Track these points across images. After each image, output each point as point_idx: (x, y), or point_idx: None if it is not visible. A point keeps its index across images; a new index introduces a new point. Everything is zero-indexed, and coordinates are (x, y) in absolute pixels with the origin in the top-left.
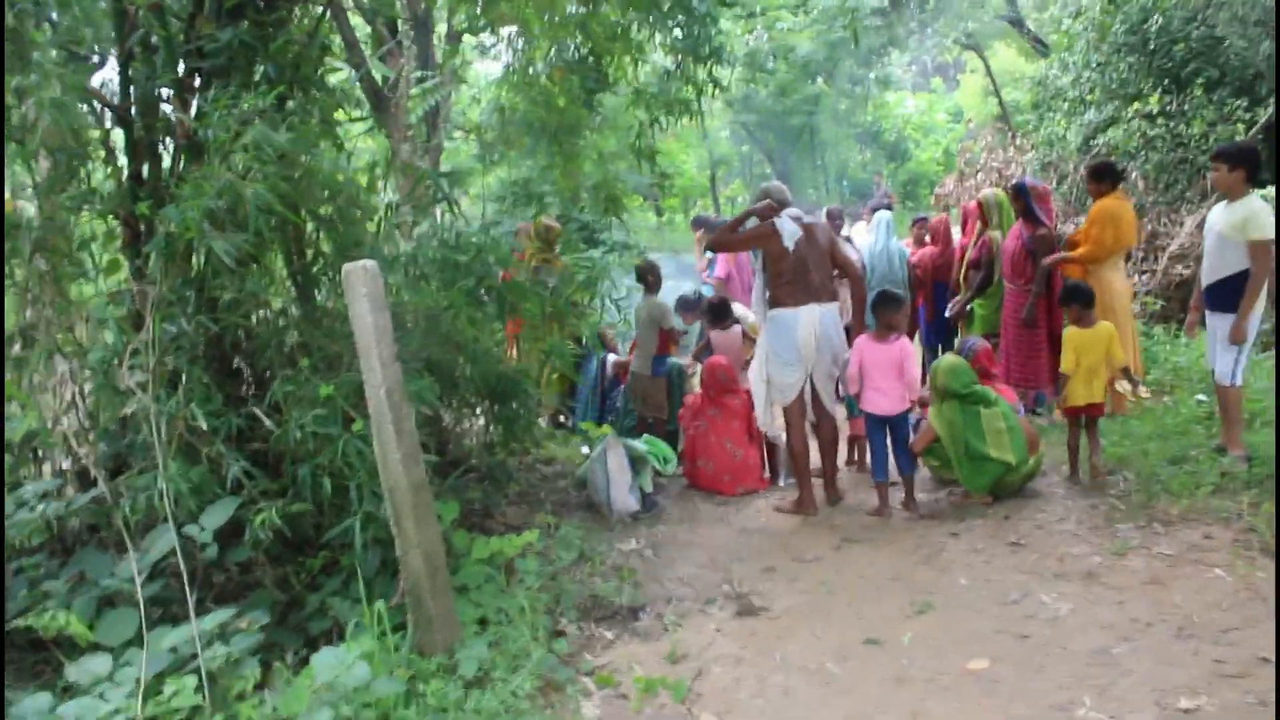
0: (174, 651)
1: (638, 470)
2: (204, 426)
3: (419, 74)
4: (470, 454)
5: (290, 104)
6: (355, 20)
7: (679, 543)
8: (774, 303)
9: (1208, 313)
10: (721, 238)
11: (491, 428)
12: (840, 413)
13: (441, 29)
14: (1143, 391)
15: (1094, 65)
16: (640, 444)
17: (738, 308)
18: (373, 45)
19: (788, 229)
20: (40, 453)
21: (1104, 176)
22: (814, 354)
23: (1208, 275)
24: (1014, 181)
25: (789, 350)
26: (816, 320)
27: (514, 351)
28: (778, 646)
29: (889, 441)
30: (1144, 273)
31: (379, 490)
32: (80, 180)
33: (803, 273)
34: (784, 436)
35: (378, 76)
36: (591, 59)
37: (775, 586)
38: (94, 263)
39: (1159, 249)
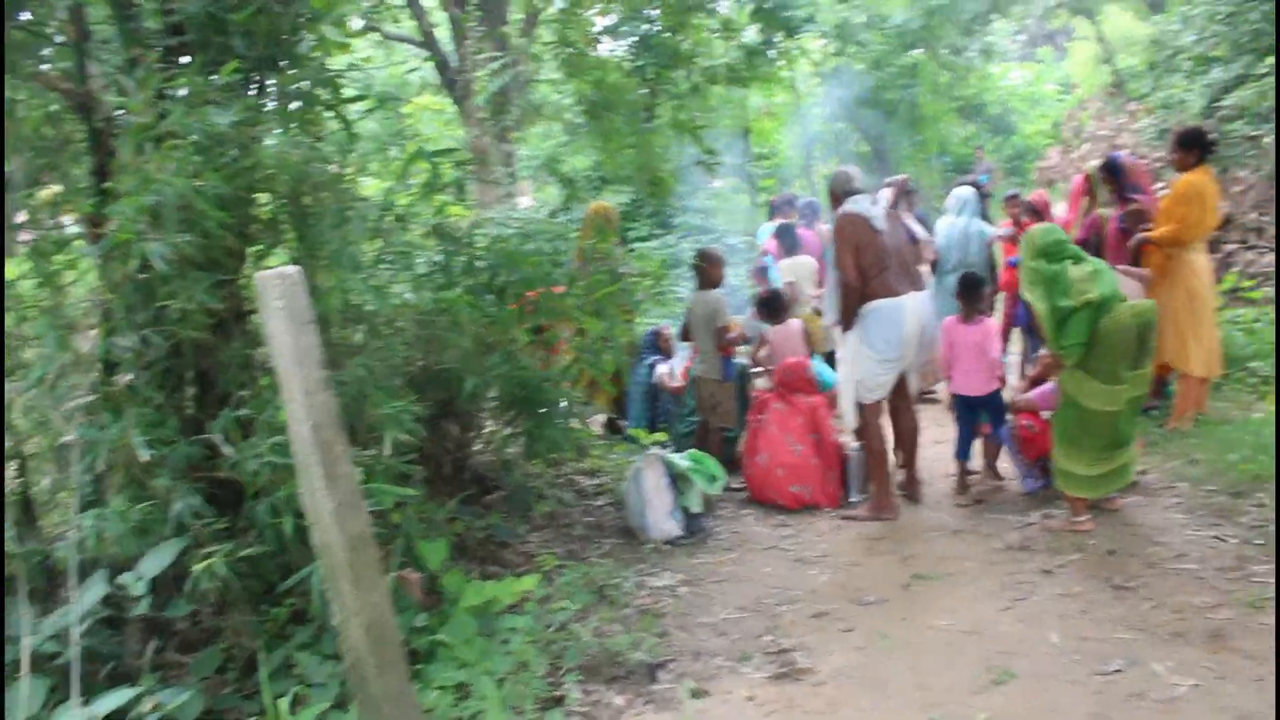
0: None
1: (681, 489)
2: (144, 455)
3: (490, 55)
4: (497, 472)
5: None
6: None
7: (721, 577)
8: (870, 295)
9: None
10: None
11: (515, 442)
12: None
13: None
14: None
15: (1220, 16)
16: (684, 459)
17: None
18: (450, 28)
19: (870, 210)
20: None
21: (1193, 145)
22: (916, 348)
23: None
24: (1106, 157)
25: (891, 345)
26: (920, 310)
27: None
28: None
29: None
30: None
31: None
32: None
33: (896, 257)
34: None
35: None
36: (666, 33)
37: (826, 639)
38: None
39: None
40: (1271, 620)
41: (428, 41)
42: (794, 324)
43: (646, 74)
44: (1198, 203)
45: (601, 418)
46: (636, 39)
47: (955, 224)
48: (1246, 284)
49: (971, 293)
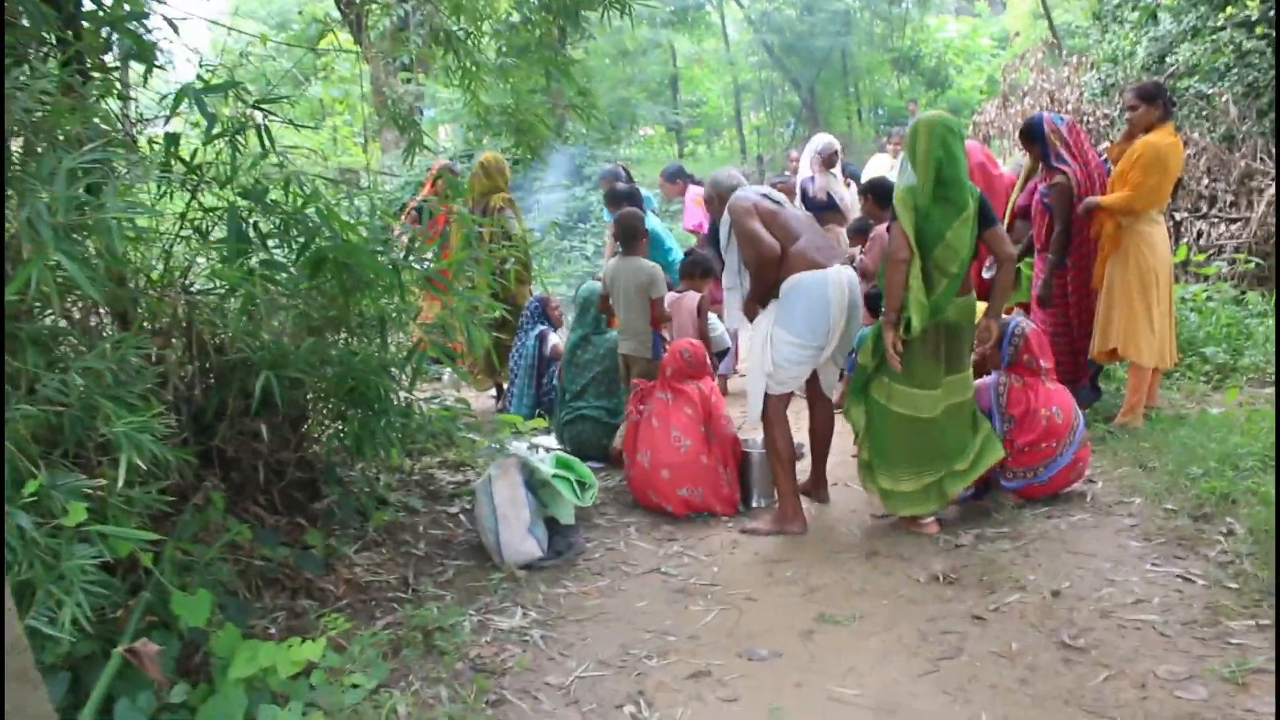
0: None
1: (544, 500)
2: None
3: None
4: (324, 477)
5: None
6: None
7: (585, 614)
8: (786, 269)
9: None
10: (753, 267)
11: (339, 441)
12: (835, 394)
13: None
14: None
15: None
16: (548, 463)
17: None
18: None
19: (763, 190)
20: None
21: (1154, 101)
22: (842, 326)
23: None
24: (1028, 118)
25: (817, 321)
26: (845, 284)
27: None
28: None
29: None
30: (1234, 221)
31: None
32: None
33: (809, 231)
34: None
35: None
36: None
37: (702, 713)
38: None
39: (1254, 191)
40: (1258, 704)
41: None
42: (690, 297)
43: (552, 7)
44: (1158, 167)
45: (492, 393)
46: None
47: None
48: (1198, 257)
49: None
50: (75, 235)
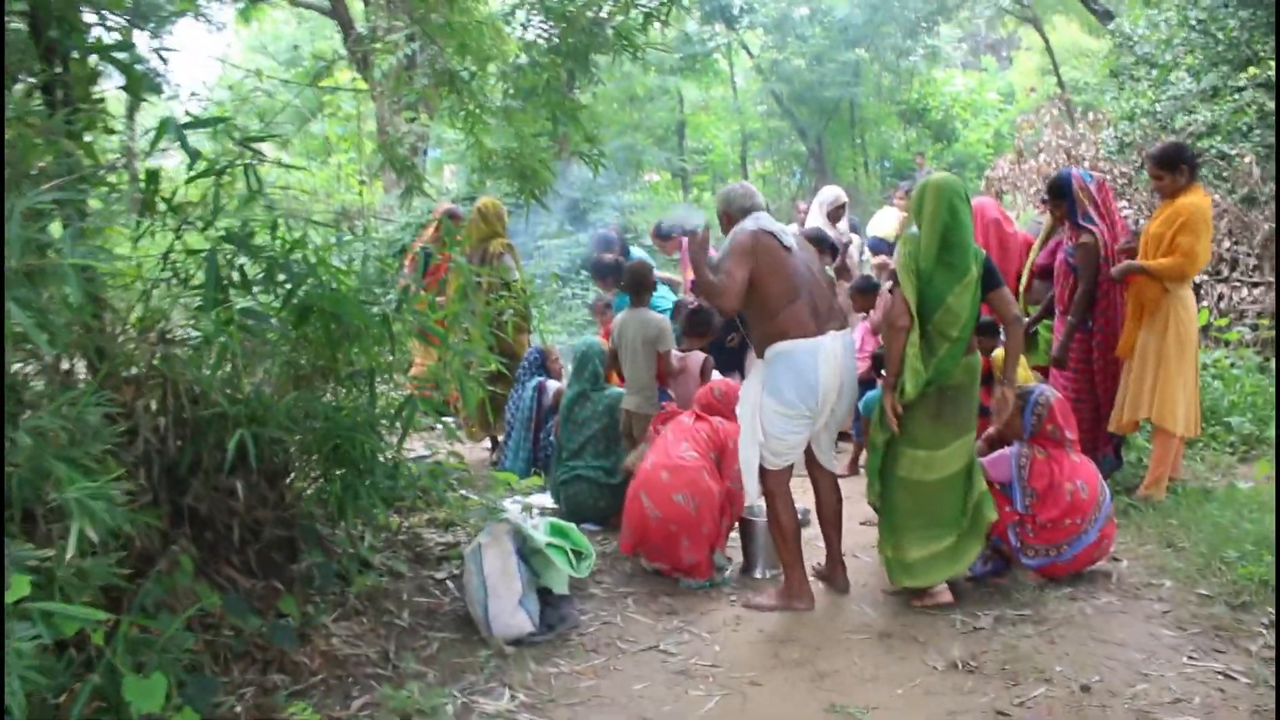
0: None
1: (537, 569)
2: None
3: (394, 21)
4: (302, 538)
5: None
6: None
7: (578, 697)
8: (779, 334)
9: None
10: (704, 282)
11: (326, 499)
12: (839, 466)
13: None
14: None
15: (1193, 22)
16: (540, 530)
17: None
18: None
19: (776, 227)
20: None
21: (1175, 166)
22: (834, 399)
23: None
24: (1056, 174)
25: (805, 396)
26: (840, 352)
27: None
28: None
29: None
30: (1257, 285)
31: None
32: None
33: (811, 286)
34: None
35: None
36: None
37: None
38: None
39: (1275, 257)
40: None
41: (335, 8)
42: (694, 358)
43: (561, 50)
44: (1205, 231)
45: (486, 445)
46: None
47: None
48: (1220, 322)
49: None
50: (35, 279)
